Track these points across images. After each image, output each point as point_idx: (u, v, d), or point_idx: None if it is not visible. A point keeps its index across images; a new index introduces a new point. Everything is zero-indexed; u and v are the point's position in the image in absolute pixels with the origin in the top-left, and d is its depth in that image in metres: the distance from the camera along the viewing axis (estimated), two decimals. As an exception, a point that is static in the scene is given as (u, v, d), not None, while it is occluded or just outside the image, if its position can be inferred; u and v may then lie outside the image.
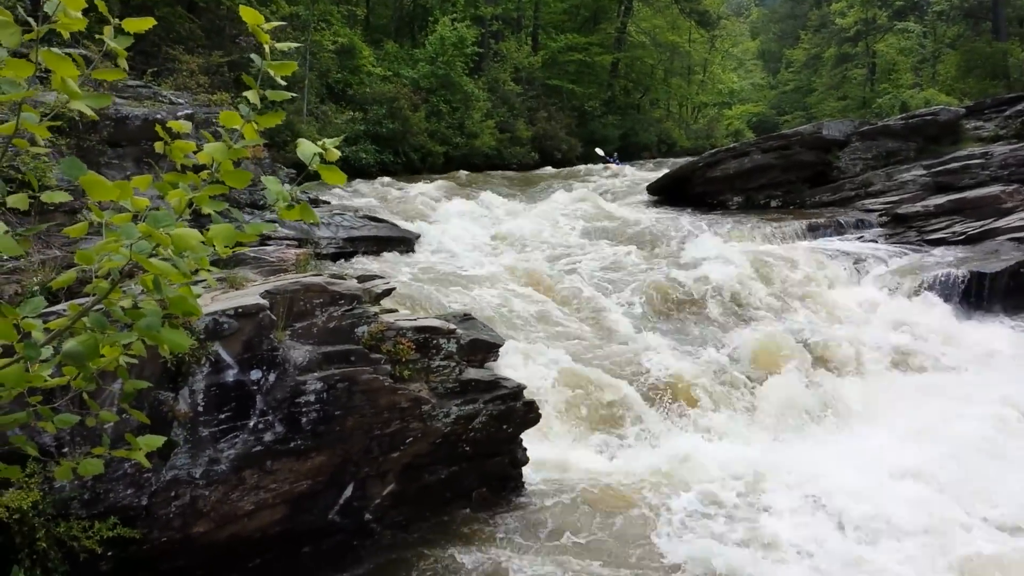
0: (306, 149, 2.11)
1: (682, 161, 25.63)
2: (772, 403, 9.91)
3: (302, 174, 2.24)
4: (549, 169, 31.93)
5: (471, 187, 23.19)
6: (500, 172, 29.94)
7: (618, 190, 24.01)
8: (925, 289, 14.43)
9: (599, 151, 36.01)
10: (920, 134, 20.83)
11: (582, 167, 31.79)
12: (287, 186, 2.21)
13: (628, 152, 43.07)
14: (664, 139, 49.87)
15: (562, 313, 11.44)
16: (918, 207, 18.05)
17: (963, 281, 14.54)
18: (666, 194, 22.29)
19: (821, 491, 7.67)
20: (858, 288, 14.62)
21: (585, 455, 8.57)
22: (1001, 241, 16.24)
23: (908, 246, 16.84)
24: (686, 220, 18.30)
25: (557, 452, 8.55)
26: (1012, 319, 13.94)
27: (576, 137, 40.01)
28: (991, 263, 15.26)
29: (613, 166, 31.38)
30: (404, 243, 13.57)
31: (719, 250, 14.93)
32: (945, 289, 14.45)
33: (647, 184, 23.29)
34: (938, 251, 16.38)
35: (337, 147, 2.20)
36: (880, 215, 18.45)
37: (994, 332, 13.19)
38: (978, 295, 14.45)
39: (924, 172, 19.24)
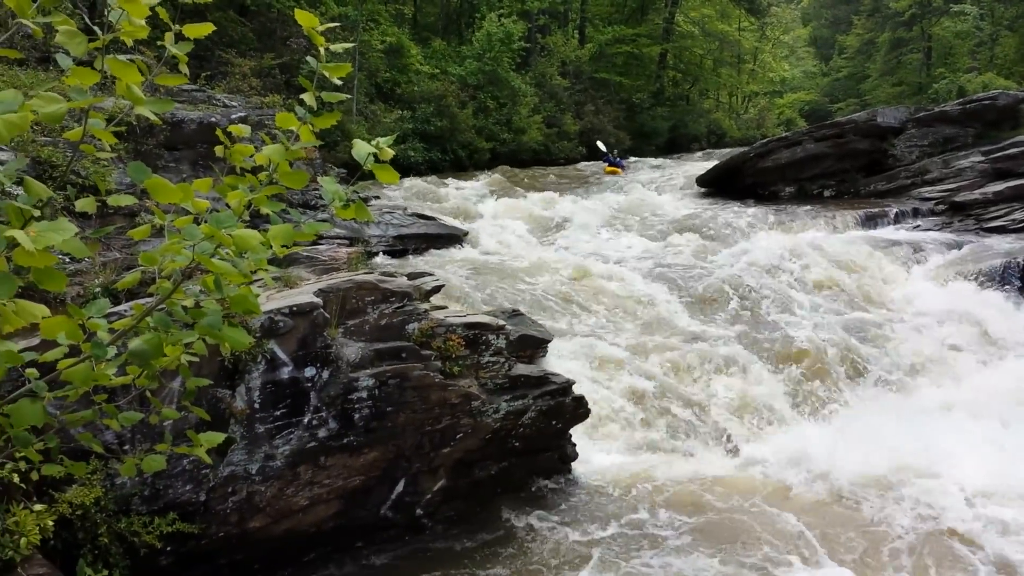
0: (361, 149, 2.14)
1: (731, 152, 25.25)
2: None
3: (356, 174, 2.27)
4: (597, 164, 31.78)
5: (519, 183, 23.21)
6: (547, 167, 29.88)
7: (668, 183, 23.80)
8: (985, 278, 14.09)
9: (600, 145, 29.36)
10: (978, 119, 20.30)
11: (632, 159, 31.55)
12: (342, 186, 2.24)
13: (677, 144, 42.66)
14: (714, 130, 49.32)
15: (613, 309, 11.40)
16: (976, 194, 17.61)
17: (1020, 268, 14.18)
18: (716, 186, 22.03)
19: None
20: (915, 278, 14.31)
21: (644, 455, 8.53)
22: (1064, 229, 15.80)
23: (967, 234, 16.45)
24: (738, 212, 18.10)
25: (611, 451, 8.53)
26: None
27: (624, 130, 39.76)
28: (1056, 251, 14.85)
29: (613, 167, 26.20)
30: (453, 240, 13.65)
31: (776, 243, 14.73)
32: (1006, 277, 14.09)
33: (697, 176, 23.06)
34: (997, 239, 15.97)
35: (389, 146, 2.23)
36: (937, 203, 18.04)
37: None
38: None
39: (982, 158, 18.74)
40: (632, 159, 27.85)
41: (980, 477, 7.48)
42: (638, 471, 8.01)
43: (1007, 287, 14.07)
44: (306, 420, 6.07)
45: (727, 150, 30.43)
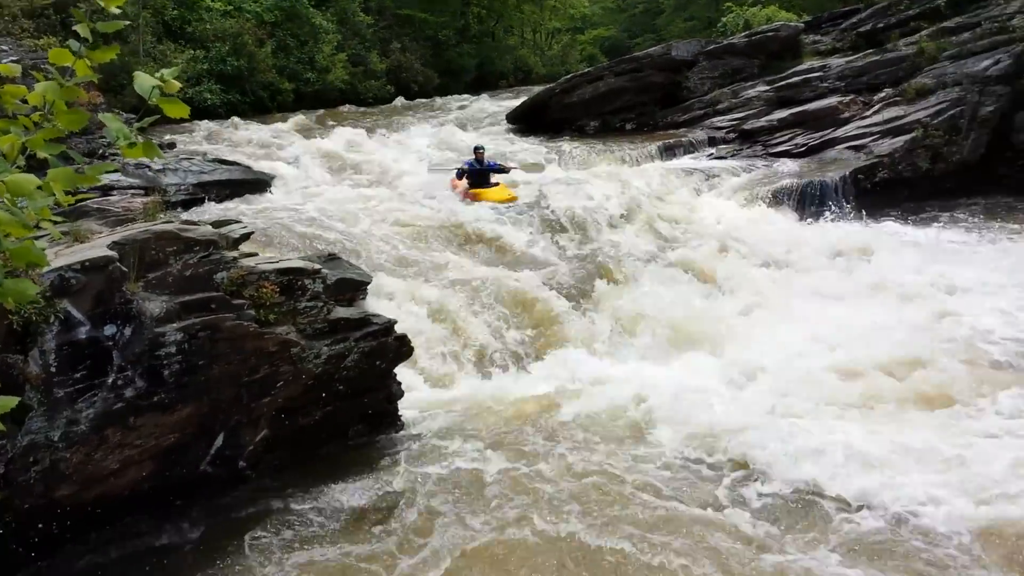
0: (144, 82, 2.01)
1: (540, 89, 25.59)
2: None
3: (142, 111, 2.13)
4: (405, 102, 31.36)
5: (326, 123, 22.57)
6: (355, 107, 29.20)
7: (477, 120, 23.88)
8: (772, 199, 15.20)
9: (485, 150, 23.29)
10: (763, 51, 21.60)
11: (440, 99, 31.31)
12: (127, 124, 2.10)
13: (485, 81, 42.71)
14: (520, 67, 49.69)
15: (430, 247, 11.41)
16: (763, 122, 18.86)
17: (806, 190, 15.41)
18: (525, 122, 22.38)
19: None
20: (710, 202, 15.22)
21: (460, 385, 8.73)
22: (840, 150, 17.25)
23: (755, 160, 17.62)
24: (545, 146, 18.47)
25: (432, 384, 8.67)
26: (850, 222, 14.87)
27: (432, 68, 39.35)
28: (832, 171, 16.21)
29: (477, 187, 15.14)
30: (260, 186, 13.11)
31: (582, 176, 15.19)
32: (790, 198, 15.27)
33: (506, 113, 23.28)
34: (783, 163, 17.22)
35: (177, 79, 2.10)
36: (728, 132, 19.17)
37: (835, 233, 14.10)
38: (820, 201, 15.35)
39: (767, 88, 20.04)
40: (513, 165, 15.68)
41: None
42: (462, 402, 8.24)
43: (791, 207, 15.28)
44: (110, 381, 5.74)
45: (535, 87, 30.72)
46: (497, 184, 14.43)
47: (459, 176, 14.47)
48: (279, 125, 20.34)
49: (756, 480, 6.70)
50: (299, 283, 7.09)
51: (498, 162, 15.17)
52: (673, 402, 7.96)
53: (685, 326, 10.14)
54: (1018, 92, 16.88)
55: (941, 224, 15.21)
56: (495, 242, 11.82)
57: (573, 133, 21.00)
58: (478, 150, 14.96)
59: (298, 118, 22.29)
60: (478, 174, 14.40)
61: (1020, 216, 15.37)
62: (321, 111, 26.35)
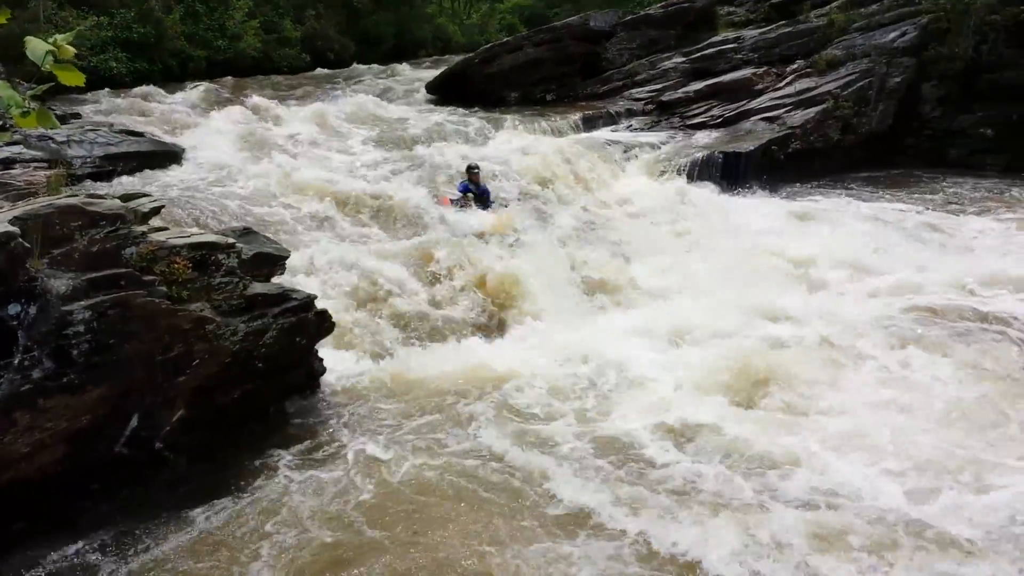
0: (36, 47, 1.89)
1: (459, 58, 25.31)
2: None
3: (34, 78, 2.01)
4: (323, 71, 30.66)
5: (239, 93, 21.90)
6: (269, 77, 28.41)
7: (397, 90, 23.50)
8: (689, 170, 15.43)
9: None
10: (679, 22, 21.81)
11: (358, 67, 30.71)
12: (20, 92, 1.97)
13: (403, 51, 42.05)
14: (439, 36, 49.02)
15: (346, 218, 11.23)
16: (680, 94, 19.08)
17: (721, 161, 15.68)
18: (445, 92, 22.13)
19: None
20: (629, 174, 15.37)
21: (387, 359, 8.65)
22: (755, 121, 17.58)
23: (673, 131, 17.83)
24: (466, 118, 18.30)
25: (355, 358, 8.57)
26: (765, 192, 15.22)
27: (349, 37, 38.52)
28: (746, 143, 16.53)
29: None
30: (170, 157, 12.65)
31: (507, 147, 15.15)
32: (707, 169, 15.52)
33: (426, 83, 22.97)
34: (700, 134, 17.48)
35: (76, 45, 1.98)
36: (646, 103, 19.34)
37: (751, 203, 14.41)
38: (735, 172, 15.64)
39: (684, 59, 20.27)
40: (505, 197, 13.19)
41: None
42: (381, 376, 8.17)
43: (708, 177, 15.53)
44: (16, 362, 5.49)
45: (455, 57, 30.28)
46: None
47: (453, 200, 12.23)
48: (189, 94, 19.65)
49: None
50: (212, 258, 6.89)
51: (490, 190, 12.69)
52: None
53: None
54: (923, 63, 17.45)
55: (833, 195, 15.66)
56: (422, 216, 11.68)
57: (494, 104, 20.87)
58: (472, 170, 12.53)
59: (208, 86, 21.56)
60: (476, 199, 12.36)
61: (910, 184, 15.97)
62: (233, 80, 25.56)
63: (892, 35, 17.72)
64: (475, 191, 12.37)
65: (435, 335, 9.28)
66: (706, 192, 14.89)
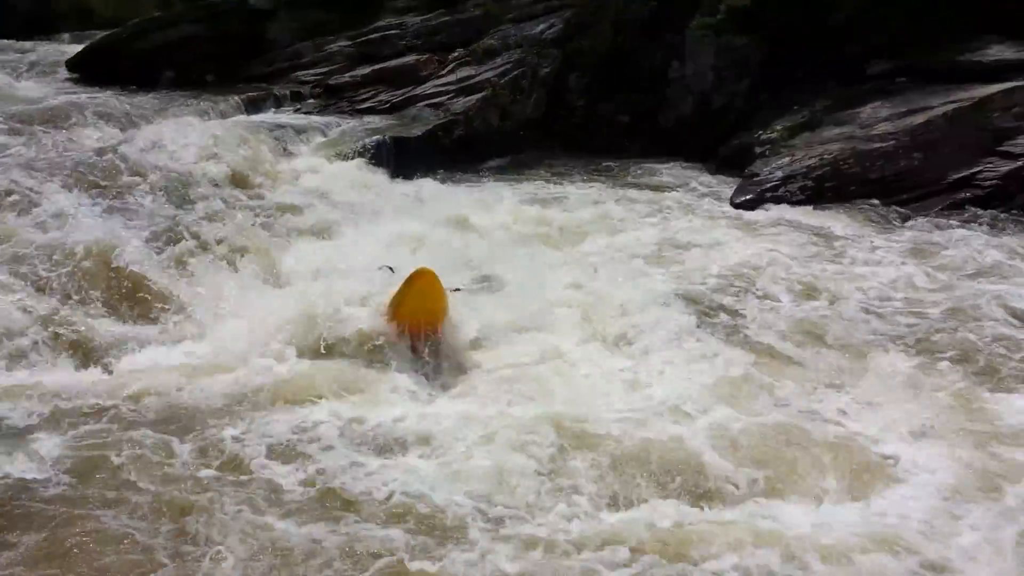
0: None
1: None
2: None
3: None
4: None
5: None
6: None
7: (30, 66, 20.94)
8: (359, 155, 15.54)
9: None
10: (342, 5, 21.62)
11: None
12: None
13: (40, 24, 37.64)
14: (81, 7, 44.59)
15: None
16: (347, 78, 19.03)
17: (390, 146, 16.02)
18: (90, 70, 20.05)
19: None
20: (299, 158, 15.14)
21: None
22: (420, 107, 18.07)
23: (342, 116, 17.80)
24: (117, 99, 16.84)
25: None
26: (430, 176, 15.68)
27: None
28: (413, 128, 16.99)
29: None
30: None
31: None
32: (376, 154, 15.73)
33: (66, 60, 20.70)
34: (369, 119, 17.64)
35: None
36: (314, 87, 19.09)
37: (418, 187, 14.88)
38: (403, 157, 16.02)
39: (349, 43, 20.19)
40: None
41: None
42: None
43: (379, 163, 15.75)
44: None
45: (101, 32, 27.43)
46: None
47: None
48: None
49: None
50: None
51: None
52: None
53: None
54: (568, 55, 18.89)
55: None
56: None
57: (149, 84, 19.33)
58: None
59: None
60: None
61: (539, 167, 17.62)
62: None
63: (541, 27, 18.92)
64: None
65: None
66: (377, 176, 15.05)
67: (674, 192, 15.89)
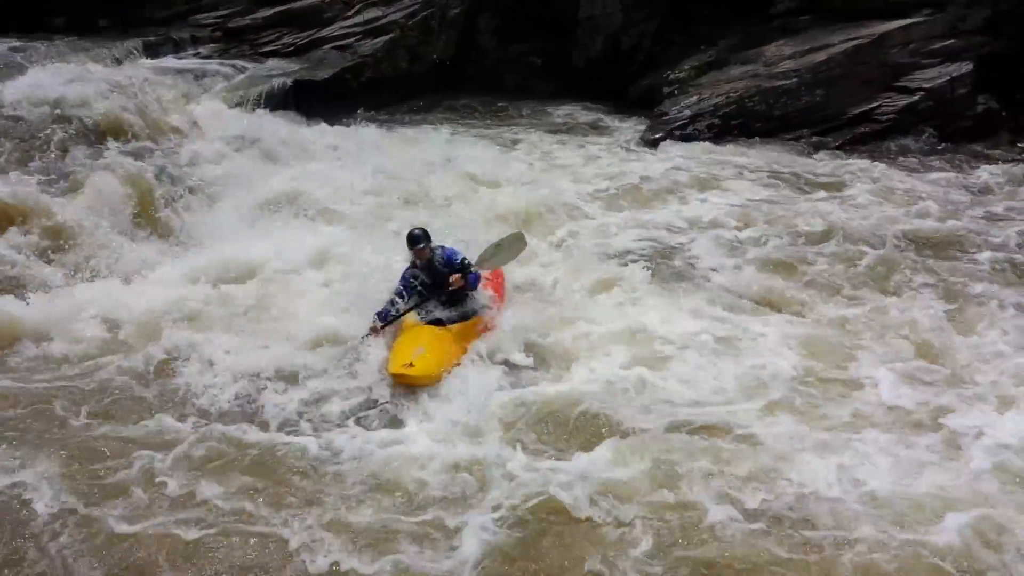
0: None
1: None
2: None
3: None
4: None
5: None
6: None
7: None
8: (266, 100, 15.10)
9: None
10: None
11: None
12: None
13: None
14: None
15: None
16: (248, 20, 18.31)
17: (294, 89, 15.60)
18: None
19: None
20: (202, 104, 14.60)
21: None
22: (327, 50, 17.61)
23: (244, 60, 17.21)
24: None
25: None
26: (335, 119, 15.36)
27: None
28: (319, 72, 16.58)
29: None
30: None
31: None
32: (280, 99, 15.32)
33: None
34: (272, 63, 17.10)
35: None
36: (213, 30, 18.34)
37: (324, 131, 14.59)
38: (308, 101, 15.64)
39: (240, -18, 19.36)
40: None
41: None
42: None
43: (284, 106, 15.36)
44: None
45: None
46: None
47: (382, 317, 7.32)
48: None
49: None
50: None
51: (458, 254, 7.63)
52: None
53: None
54: (479, -5, 18.61)
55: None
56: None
57: (37, 29, 18.23)
58: (417, 244, 7.45)
59: None
60: (428, 291, 7.53)
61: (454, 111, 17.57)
62: None
63: (449, -33, 18.55)
64: (424, 279, 7.54)
65: None
66: (283, 122, 14.65)
67: (586, 134, 16.01)
